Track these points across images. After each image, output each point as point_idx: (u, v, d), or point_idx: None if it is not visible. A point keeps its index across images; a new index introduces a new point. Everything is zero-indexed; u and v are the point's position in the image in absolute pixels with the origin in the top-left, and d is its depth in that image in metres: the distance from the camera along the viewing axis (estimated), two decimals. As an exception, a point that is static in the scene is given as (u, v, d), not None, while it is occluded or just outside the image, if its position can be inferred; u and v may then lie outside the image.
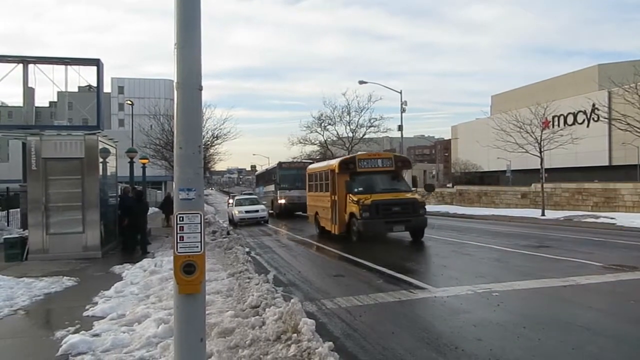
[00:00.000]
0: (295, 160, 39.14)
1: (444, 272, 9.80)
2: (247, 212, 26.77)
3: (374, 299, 7.60)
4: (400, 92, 36.25)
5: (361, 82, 36.51)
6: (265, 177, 39.63)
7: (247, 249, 14.08)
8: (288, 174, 31.37)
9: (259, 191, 41.91)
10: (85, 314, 7.00)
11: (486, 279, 8.83)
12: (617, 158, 42.44)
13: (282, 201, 31.04)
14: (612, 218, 22.21)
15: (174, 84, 3.46)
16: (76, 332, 5.96)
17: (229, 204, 47.59)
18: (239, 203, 29.12)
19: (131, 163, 19.66)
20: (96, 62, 14.17)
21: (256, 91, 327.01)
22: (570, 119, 46.24)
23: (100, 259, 12.66)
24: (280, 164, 32.93)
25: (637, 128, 19.45)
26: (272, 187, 33.47)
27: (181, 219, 3.42)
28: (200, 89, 3.49)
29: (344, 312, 6.94)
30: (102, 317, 6.69)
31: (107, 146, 14.64)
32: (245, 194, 49.72)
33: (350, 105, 44.29)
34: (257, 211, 27.04)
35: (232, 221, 27.43)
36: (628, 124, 19.70)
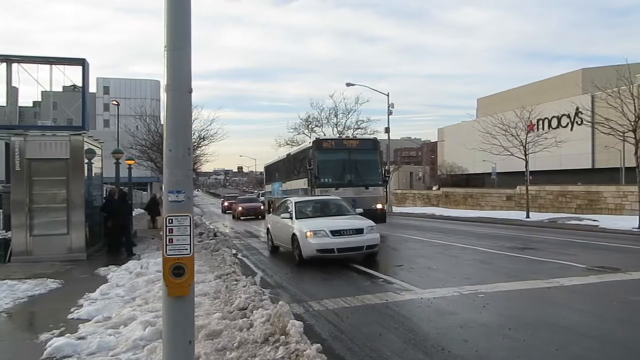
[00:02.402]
0: (343, 136, 24.49)
1: (430, 274, 9.86)
2: (337, 233, 11.48)
3: (361, 301, 7.63)
4: (388, 95, 36.46)
5: (348, 84, 36.67)
6: (284, 168, 24.76)
7: (234, 251, 14.05)
8: (333, 160, 18.28)
9: (272, 190, 28.31)
10: (70, 316, 6.92)
11: (472, 280, 8.92)
12: (600, 161, 43.02)
13: None
14: (595, 220, 22.54)
15: (164, 86, 3.45)
16: (61, 335, 5.90)
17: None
18: (305, 212, 13.03)
19: (117, 164, 19.49)
20: (82, 62, 14.01)
21: (244, 92, 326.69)
22: (554, 122, 46.76)
23: (85, 260, 12.53)
24: (318, 142, 18.66)
25: (620, 132, 19.77)
26: (300, 183, 20.13)
27: (170, 221, 3.41)
28: (190, 91, 3.49)
29: (331, 314, 6.95)
30: (88, 320, 6.63)
31: (92, 147, 14.51)
32: (247, 196, 44.79)
33: (338, 107, 44.24)
34: (357, 231, 11.63)
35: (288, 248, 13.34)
36: (611, 127, 20.00)
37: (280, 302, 6.11)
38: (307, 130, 46.90)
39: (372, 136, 20.75)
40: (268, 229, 15.02)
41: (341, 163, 18.16)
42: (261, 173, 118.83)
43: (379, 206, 17.84)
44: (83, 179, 13.16)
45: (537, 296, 7.83)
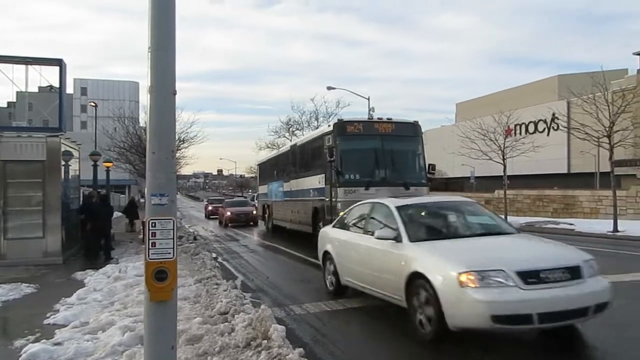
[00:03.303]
0: (373, 118, 16.22)
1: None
2: (532, 277, 5.08)
3: (343, 305, 7.62)
4: (368, 99, 36.58)
5: (329, 88, 36.66)
6: (287, 164, 19.73)
7: (214, 255, 13.93)
8: (361, 150, 14.20)
9: (269, 192, 23.03)
10: (46, 322, 6.78)
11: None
12: (576, 166, 43.90)
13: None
14: (571, 224, 22.99)
15: (147, 87, 3.41)
16: (36, 341, 5.77)
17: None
18: (425, 229, 7.11)
19: (95, 166, 19.18)
20: (59, 62, 13.78)
21: (225, 94, 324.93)
22: (531, 128, 47.58)
23: (61, 264, 12.30)
24: (341, 125, 14.24)
25: (595, 137, 20.20)
26: (312, 181, 15.75)
27: (153, 224, 3.37)
28: (175, 93, 3.46)
29: (313, 318, 6.94)
30: (64, 325, 6.50)
31: (69, 149, 14.27)
32: (237, 199, 38.27)
33: (319, 111, 44.23)
34: (571, 272, 5.27)
35: None
36: (586, 133, 20.43)
37: (262, 306, 6.07)
38: (287, 134, 46.85)
39: (411, 120, 14.69)
40: (327, 254, 8.54)
41: (372, 154, 13.68)
42: (241, 176, 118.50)
43: None
44: (60, 181, 12.93)
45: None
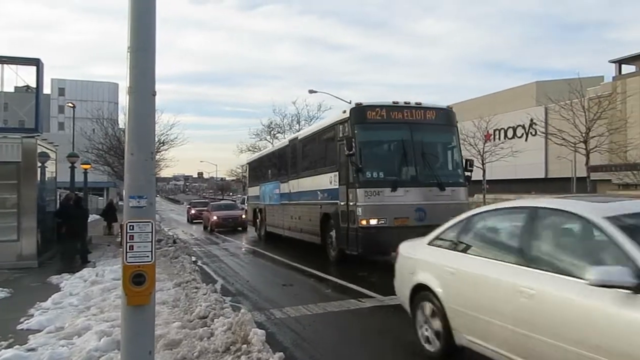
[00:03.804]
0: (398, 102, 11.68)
1: (392, 281, 9.91)
2: None
3: (323, 308, 7.61)
4: (350, 103, 36.72)
5: (311, 92, 36.72)
6: (287, 161, 16.86)
7: (193, 258, 13.80)
8: (385, 142, 12.00)
9: (262, 195, 20.19)
10: (19, 327, 6.62)
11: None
12: (553, 171, 44.62)
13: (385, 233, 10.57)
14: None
15: (127, 88, 3.35)
16: (9, 346, 5.62)
17: (192, 215, 35.56)
18: None
19: (72, 168, 18.85)
20: (36, 62, 13.53)
21: (206, 97, 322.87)
22: (510, 133, 48.27)
23: (36, 268, 12.04)
24: (360, 111, 11.29)
25: (572, 143, 20.58)
26: (321, 181, 12.94)
27: (131, 227, 3.31)
28: (154, 94, 3.41)
29: (294, 322, 6.91)
30: (39, 330, 6.35)
31: (46, 150, 14.01)
32: (224, 202, 36.53)
33: (300, 114, 44.25)
34: None
35: None
36: (563, 138, 20.83)
37: (242, 310, 6.03)
38: (269, 137, 46.80)
39: (444, 105, 12.11)
40: (422, 290, 5.41)
41: (399, 146, 11.15)
42: (222, 179, 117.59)
43: None
44: (35, 183, 12.68)
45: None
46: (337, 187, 11.76)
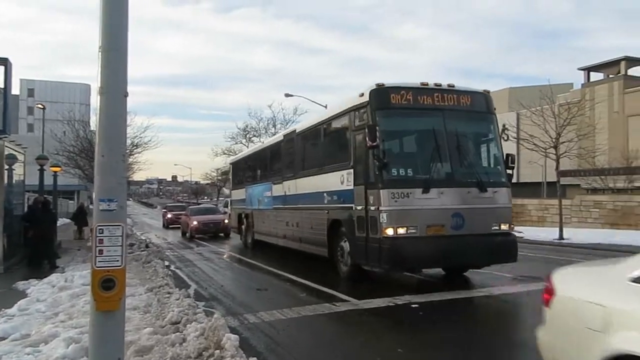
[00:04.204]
0: (429, 84, 9.59)
1: (365, 285, 9.95)
2: None
3: (298, 312, 7.57)
4: (326, 107, 36.78)
5: (287, 95, 36.67)
6: (282, 159, 14.92)
7: (166, 263, 13.60)
8: (413, 132, 9.95)
9: (248, 198, 18.32)
10: (-17, 334, 6.40)
11: (405, 289, 9.07)
12: (524, 175, 45.42)
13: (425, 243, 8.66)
14: (519, 232, 23.70)
15: (98, 89, 3.29)
16: (-28, 355, 5.43)
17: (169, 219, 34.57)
18: None
19: (41, 171, 18.40)
20: (4, 62, 13.16)
21: (182, 99, 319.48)
22: (483, 138, 49.11)
23: (2, 274, 11.71)
24: (382, 93, 9.19)
25: (542, 148, 21.00)
26: (329, 181, 10.86)
27: (101, 231, 3.23)
28: (126, 95, 3.35)
29: (268, 327, 6.85)
30: (4, 338, 6.14)
31: (14, 152, 13.65)
32: (204, 206, 34.50)
33: (276, 118, 44.21)
34: None
35: None
36: (534, 144, 21.21)
37: (215, 315, 5.95)
38: (244, 140, 46.59)
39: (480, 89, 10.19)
40: None
41: (430, 138, 9.16)
42: (197, 183, 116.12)
43: (505, 227, 9.33)
44: (2, 185, 12.33)
45: (468, 305, 8.10)
46: (351, 187, 9.72)
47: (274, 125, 44.27)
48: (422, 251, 8.43)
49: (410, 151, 9.91)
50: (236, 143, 47.16)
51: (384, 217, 8.54)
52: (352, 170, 9.76)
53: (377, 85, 9.24)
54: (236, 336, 5.32)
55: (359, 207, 9.33)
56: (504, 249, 9.21)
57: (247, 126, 46.63)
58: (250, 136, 46.32)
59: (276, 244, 15.05)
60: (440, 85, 9.59)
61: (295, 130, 13.94)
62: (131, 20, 3.41)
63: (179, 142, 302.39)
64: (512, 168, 10.04)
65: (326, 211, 10.97)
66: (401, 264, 8.93)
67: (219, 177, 68.48)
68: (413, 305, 7.82)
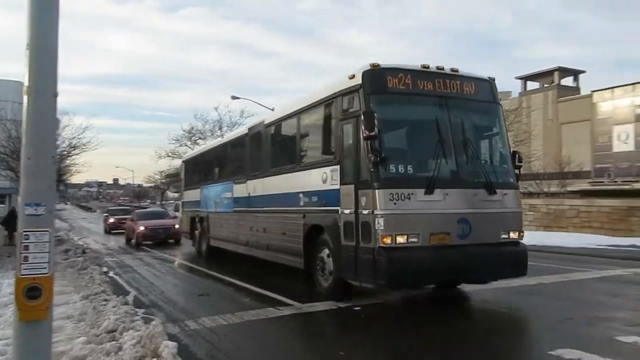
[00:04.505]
0: (431, 67, 8.29)
1: (311, 288, 9.96)
2: None
3: (241, 317, 7.48)
4: (273, 110, 36.65)
5: (234, 97, 36.24)
6: (248, 152, 12.93)
7: (104, 269, 13.13)
8: (415, 122, 8.46)
9: (204, 200, 16.55)
10: None
11: (349, 293, 9.10)
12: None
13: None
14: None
15: (24, 88, 3.13)
16: None
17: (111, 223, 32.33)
18: None
19: (-33, 172, 17.33)
20: None
21: (125, 99, 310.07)
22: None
23: None
24: (377, 75, 7.79)
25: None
26: (306, 179, 9.39)
27: (26, 237, 3.08)
28: (56, 95, 3.20)
29: (209, 333, 6.73)
30: None
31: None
32: (151, 210, 32.72)
33: (222, 120, 43.74)
34: None
35: None
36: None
37: (152, 322, 5.79)
38: (189, 142, 45.75)
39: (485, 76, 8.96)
40: None
41: (433, 129, 7.85)
42: (139, 186, 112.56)
43: (514, 236, 8.17)
44: None
45: (411, 306, 8.27)
46: (336, 187, 8.27)
47: (220, 128, 43.75)
48: (425, 264, 7.17)
49: (410, 145, 8.32)
50: (181, 145, 46.24)
51: (380, 223, 7.17)
52: (338, 167, 8.26)
53: (372, 65, 7.84)
54: (174, 343, 5.20)
55: (347, 211, 7.88)
56: (514, 261, 8.00)
57: (192, 128, 45.85)
58: (196, 138, 45.54)
59: (236, 251, 13.54)
60: (442, 68, 8.30)
61: (263, 122, 12.00)
62: (69, 15, 3.30)
63: (121, 143, 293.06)
64: (520, 167, 8.75)
65: (302, 215, 9.42)
66: (401, 280, 7.40)
67: (163, 180, 66.81)
68: (356, 309, 7.91)
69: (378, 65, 7.80)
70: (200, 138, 45.26)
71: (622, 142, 35.54)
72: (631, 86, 36.16)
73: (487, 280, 8.31)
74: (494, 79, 8.90)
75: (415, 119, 8.42)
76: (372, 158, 7.26)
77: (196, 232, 17.32)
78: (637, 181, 32.92)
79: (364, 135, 7.27)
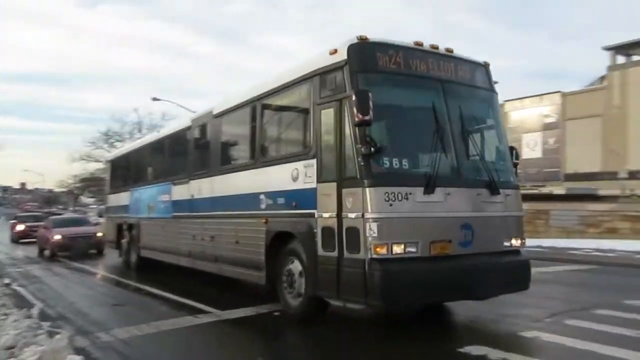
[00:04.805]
0: (424, 44, 7.00)
1: (232, 294, 9.82)
2: None
3: (157, 327, 7.21)
4: (195, 113, 35.92)
5: (155, 99, 35.15)
6: (192, 148, 11.26)
7: (6, 280, 12.17)
8: (411, 109, 7.11)
9: (134, 205, 14.76)
10: None
11: (269, 297, 9.00)
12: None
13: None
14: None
15: None
16: None
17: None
18: None
19: None
20: None
21: (35, 98, 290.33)
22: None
23: None
24: (367, 49, 6.49)
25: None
26: (279, 176, 7.62)
27: None
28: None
29: (122, 344, 6.42)
30: None
31: None
32: (69, 216, 30.19)
33: (142, 122, 42.30)
34: None
35: None
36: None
37: (57, 336, 5.45)
38: (106, 145, 43.79)
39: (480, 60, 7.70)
40: None
41: (429, 117, 6.65)
42: (50, 191, 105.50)
43: (516, 243, 7.16)
44: None
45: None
46: (311, 185, 6.88)
47: (140, 130, 42.27)
48: (427, 279, 6.04)
49: (405, 135, 6.87)
50: (97, 148, 44.19)
51: (373, 229, 5.89)
52: (314, 162, 6.86)
53: (359, 38, 6.50)
54: (81, 357, 4.92)
55: (326, 215, 6.53)
56: (517, 274, 6.98)
57: (109, 130, 43.98)
58: (113, 141, 43.73)
59: (176, 263, 11.66)
60: (437, 47, 7.13)
61: (211, 112, 10.24)
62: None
63: (31, 145, 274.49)
64: (517, 165, 7.78)
65: (264, 220, 7.95)
66: (399, 299, 6.13)
67: (77, 185, 63.28)
68: (275, 314, 7.87)
69: (366, 38, 6.54)
70: (117, 140, 43.56)
71: (531, 149, 38.28)
72: (539, 97, 39.10)
73: (488, 296, 6.82)
74: (489, 64, 7.79)
75: (409, 105, 7.14)
76: (363, 149, 5.99)
77: (124, 241, 15.49)
78: (543, 186, 35.49)
79: (357, 120, 5.93)
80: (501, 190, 6.87)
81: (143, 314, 8.32)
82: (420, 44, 6.93)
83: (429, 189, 6.15)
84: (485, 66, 7.67)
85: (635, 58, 40.07)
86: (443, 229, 6.26)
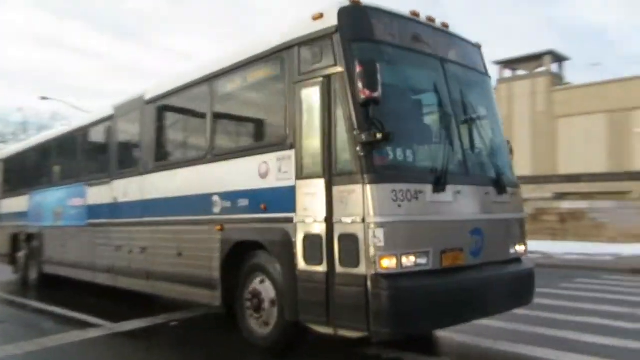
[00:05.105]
0: (420, 15, 5.91)
1: (127, 305, 9.41)
2: None
3: (39, 345, 6.72)
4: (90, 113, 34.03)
5: (43, 98, 32.84)
6: (117, 140, 9.27)
7: None
8: (410, 88, 5.89)
9: (35, 208, 12.38)
10: None
11: (165, 307, 8.82)
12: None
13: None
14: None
15: None
16: None
17: None
18: None
19: None
20: None
21: None
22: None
23: None
24: (360, 13, 5.24)
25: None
26: (241, 172, 6.12)
27: None
28: None
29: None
30: None
31: None
32: None
33: (29, 123, 39.30)
34: None
35: None
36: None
37: None
38: (-15, 147, 40.08)
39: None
40: None
41: (433, 101, 5.69)
42: None
43: (520, 250, 6.16)
44: None
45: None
46: (288, 183, 5.52)
47: (25, 131, 39.19)
48: (444, 298, 4.92)
49: (408, 121, 5.75)
50: (-26, 151, 40.29)
51: (378, 237, 4.67)
52: (291, 153, 5.49)
53: (352, 1, 5.27)
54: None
55: (309, 219, 5.23)
56: (523, 285, 6.06)
57: (-12, 131, 40.28)
58: (-6, 143, 40.11)
59: (92, 280, 9.87)
60: (434, 20, 6.05)
61: (142, 97, 8.42)
62: None
63: None
64: (511, 159, 6.79)
65: (218, 226, 6.43)
66: (413, 325, 4.87)
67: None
68: (172, 324, 7.70)
69: (358, 1, 5.30)
70: (0, 142, 40.09)
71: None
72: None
73: (497, 313, 5.97)
74: (481, 46, 6.81)
75: (410, 85, 5.98)
76: (365, 136, 4.73)
77: (19, 254, 13.16)
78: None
79: (364, 96, 4.72)
80: (508, 189, 5.97)
81: (27, 331, 7.71)
82: (417, 14, 5.86)
83: (439, 187, 5.07)
84: (479, 47, 6.74)
85: (519, 72, 44.56)
86: (454, 235, 5.23)
